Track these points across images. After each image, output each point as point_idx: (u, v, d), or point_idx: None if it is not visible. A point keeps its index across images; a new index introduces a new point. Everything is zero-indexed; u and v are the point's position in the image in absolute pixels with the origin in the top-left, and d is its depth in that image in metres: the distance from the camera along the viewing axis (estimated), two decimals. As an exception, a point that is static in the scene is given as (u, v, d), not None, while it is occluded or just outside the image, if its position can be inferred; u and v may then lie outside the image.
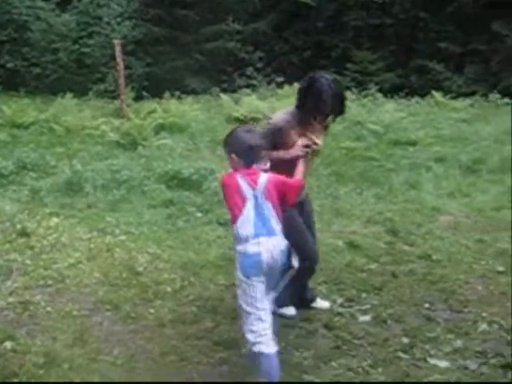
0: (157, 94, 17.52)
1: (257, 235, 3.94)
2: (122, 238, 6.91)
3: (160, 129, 12.66)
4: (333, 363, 4.39)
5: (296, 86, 18.57)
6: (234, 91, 18.82)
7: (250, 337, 3.92)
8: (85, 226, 7.24)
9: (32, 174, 9.31)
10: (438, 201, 8.46)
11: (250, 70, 22.39)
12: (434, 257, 6.39)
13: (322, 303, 5.25)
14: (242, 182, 3.98)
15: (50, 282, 5.67)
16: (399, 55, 23.82)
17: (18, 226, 7.01)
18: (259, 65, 23.05)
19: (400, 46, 24.04)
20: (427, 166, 10.20)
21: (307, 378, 4.20)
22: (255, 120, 13.45)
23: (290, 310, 5.08)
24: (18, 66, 20.35)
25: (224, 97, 16.33)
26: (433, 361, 4.42)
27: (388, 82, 22.34)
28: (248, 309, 3.95)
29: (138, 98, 17.26)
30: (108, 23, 20.76)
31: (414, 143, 11.89)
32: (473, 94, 19.06)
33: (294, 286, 4.78)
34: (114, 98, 16.69)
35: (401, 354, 4.52)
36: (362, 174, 9.82)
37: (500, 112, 16.04)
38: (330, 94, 4.55)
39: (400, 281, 5.83)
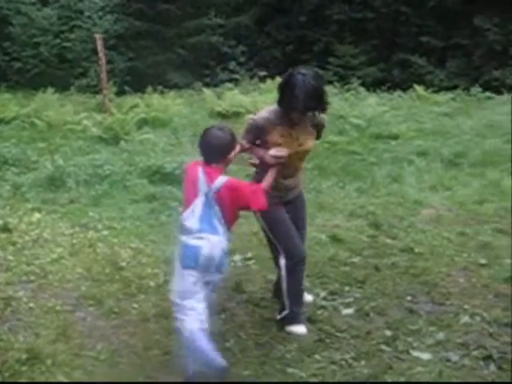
0: (139, 88, 17.46)
1: (200, 230, 4.04)
2: (105, 233, 6.89)
3: (142, 123, 12.62)
4: (316, 356, 4.41)
5: (279, 80, 18.57)
6: (216, 86, 18.80)
7: (178, 325, 4.07)
8: (67, 222, 7.22)
9: (13, 169, 9.25)
10: (420, 194, 8.49)
11: (232, 65, 22.37)
12: (417, 250, 6.42)
13: (305, 297, 5.21)
14: (201, 175, 4.08)
15: (32, 278, 5.64)
16: (381, 49, 23.88)
17: (0, 222, 6.97)
18: (242, 59, 23.03)
19: (382, 40, 24.09)
20: (409, 159, 10.24)
21: (291, 371, 4.21)
22: (238, 114, 13.45)
23: (300, 329, 4.77)
24: (-2, 60, 20.22)
25: (206, 91, 16.30)
26: (415, 353, 4.45)
27: (370, 76, 22.40)
28: (177, 300, 4.09)
29: (120, 93, 17.18)
30: (89, 17, 20.62)
31: (396, 137, 11.93)
32: (454, 87, 19.15)
33: (294, 294, 4.79)
34: (96, 92, 16.60)
35: (383, 347, 4.54)
36: (345, 168, 9.85)
37: (481, 106, 16.13)
38: (303, 89, 4.39)
39: (383, 274, 5.85)
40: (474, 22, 21.90)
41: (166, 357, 4.38)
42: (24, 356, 4.24)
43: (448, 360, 4.35)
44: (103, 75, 13.58)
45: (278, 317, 4.82)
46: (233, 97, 15.00)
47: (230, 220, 4.18)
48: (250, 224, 6.19)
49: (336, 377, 4.13)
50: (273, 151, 4.48)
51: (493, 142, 11.29)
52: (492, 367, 4.27)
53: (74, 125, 12.26)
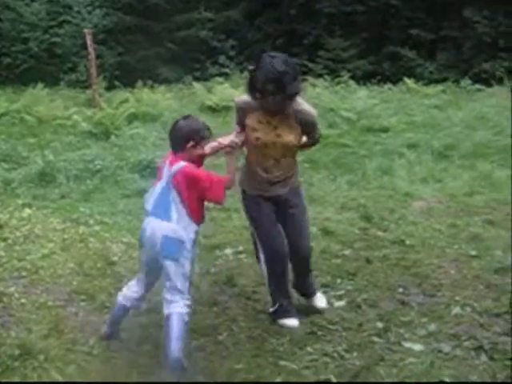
0: (129, 83, 17.41)
1: (150, 213, 4.26)
2: (96, 228, 6.89)
3: (133, 118, 12.59)
4: (308, 348, 4.41)
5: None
6: (206, 80, 18.76)
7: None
8: (58, 217, 7.21)
9: (4, 164, 9.22)
10: (410, 186, 8.52)
11: (222, 59, 22.34)
12: (408, 242, 6.45)
13: (316, 301, 5.06)
14: (167, 162, 4.29)
15: (23, 274, 5.63)
16: (371, 42, 23.86)
17: (-9, 218, 6.97)
18: (232, 53, 23.00)
19: (372, 33, 24.07)
20: (400, 152, 10.27)
21: (283, 363, 4.21)
22: (228, 108, 13.44)
23: (292, 322, 4.77)
24: (-13, 56, 20.13)
25: (197, 85, 16.28)
26: (407, 344, 4.46)
27: (360, 69, 22.38)
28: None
29: (110, 88, 17.12)
30: (78, 12, 20.56)
31: (386, 130, 11.95)
32: (444, 80, 19.17)
33: (278, 288, 4.81)
34: (86, 87, 16.56)
35: (375, 339, 4.55)
36: (336, 161, 9.86)
37: (471, 98, 16.16)
38: (264, 72, 4.27)
39: (374, 266, 5.87)
40: (463, 14, 21.91)
41: (158, 351, 4.37)
42: (16, 352, 4.23)
43: (440, 351, 4.37)
44: (93, 70, 13.55)
45: (271, 309, 4.84)
46: (223, 91, 15.00)
47: (193, 209, 4.24)
48: (241, 218, 6.19)
49: (328, 368, 4.14)
50: (220, 139, 4.46)
51: (483, 134, 11.32)
52: (483, 357, 4.29)
53: (64, 120, 12.22)
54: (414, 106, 14.58)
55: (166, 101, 14.36)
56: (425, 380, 4.01)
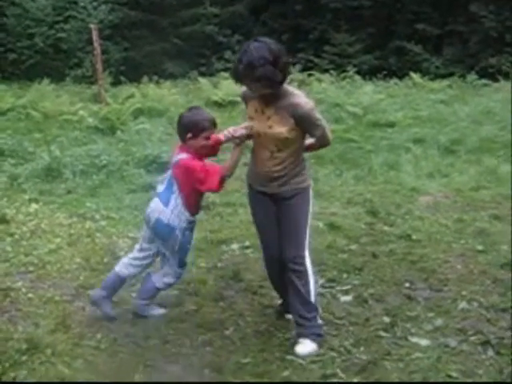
0: (134, 78, 17.43)
1: (157, 195, 4.64)
2: (103, 223, 6.90)
3: (138, 113, 12.60)
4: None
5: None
6: (212, 75, 18.78)
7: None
8: (65, 212, 7.23)
9: (10, 160, 9.24)
10: (417, 181, 8.51)
11: (228, 54, 22.34)
12: (414, 237, 6.44)
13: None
14: (175, 152, 4.58)
15: (30, 269, 5.65)
16: (377, 37, 23.85)
17: (-3, 213, 6.99)
18: (237, 48, 22.92)
19: (378, 27, 24.06)
20: (406, 147, 10.25)
21: (290, 358, 4.22)
22: (234, 103, 13.44)
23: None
24: (-7, 52, 20.16)
25: (202, 80, 16.28)
26: (414, 339, 4.46)
27: (366, 63, 22.38)
28: None
29: (116, 83, 17.14)
30: (84, 7, 20.56)
31: (392, 125, 11.94)
32: (451, 75, 19.16)
33: (276, 285, 4.79)
34: (92, 83, 16.59)
35: (382, 333, 4.55)
36: (342, 156, 9.84)
37: (478, 93, 16.14)
38: (238, 56, 4.18)
39: (380, 261, 5.86)
40: (469, 8, 21.88)
41: (165, 346, 4.39)
42: (24, 346, 4.25)
43: (446, 346, 4.36)
44: (98, 65, 13.56)
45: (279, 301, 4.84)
46: (229, 86, 14.95)
47: (188, 200, 4.51)
48: (247, 212, 6.18)
49: (335, 363, 4.14)
50: (230, 128, 4.40)
51: (489, 129, 11.31)
52: (490, 352, 4.29)
53: (70, 115, 12.23)
54: (420, 100, 14.57)
55: (171, 96, 14.36)
56: (431, 375, 4.01)
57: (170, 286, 4.83)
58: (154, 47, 21.68)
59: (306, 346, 4.31)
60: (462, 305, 4.98)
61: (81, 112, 12.30)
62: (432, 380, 3.97)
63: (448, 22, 22.86)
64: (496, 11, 21.64)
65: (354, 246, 6.23)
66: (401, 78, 18.56)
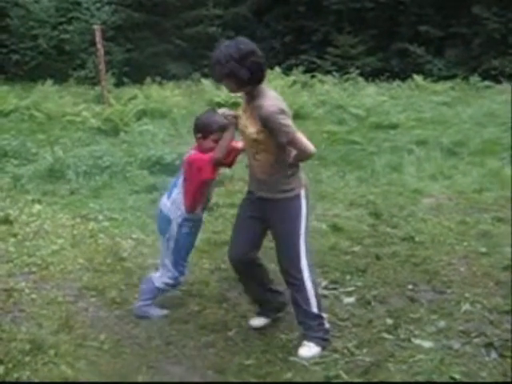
0: (137, 79, 17.47)
1: (168, 188, 4.83)
2: (106, 224, 6.90)
3: (141, 114, 12.63)
4: (318, 345, 4.41)
5: (277, 70, 18.60)
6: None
7: None
8: (68, 213, 7.23)
9: (13, 161, 9.26)
10: (419, 183, 8.50)
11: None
12: (417, 238, 6.43)
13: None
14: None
15: (34, 269, 5.65)
16: (380, 39, 23.85)
17: (1, 214, 7.00)
18: (240, 50, 22.96)
19: (381, 29, 24.06)
20: (409, 148, 10.25)
21: (292, 359, 4.22)
22: (237, 104, 13.44)
23: (253, 321, 4.76)
24: (-4, 53, 20.19)
25: (205, 82, 16.30)
26: (417, 341, 4.45)
27: (369, 65, 22.41)
28: None
29: (119, 84, 17.20)
30: (87, 9, 20.61)
31: (395, 126, 11.95)
32: (453, 77, 19.20)
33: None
34: (95, 84, 16.61)
35: (385, 335, 4.55)
36: (345, 158, 9.85)
37: (480, 95, 16.16)
38: (211, 56, 4.19)
39: (383, 263, 5.86)
40: (472, 10, 21.88)
41: (168, 347, 4.40)
42: (27, 347, 4.24)
43: (449, 348, 4.36)
44: (102, 66, 13.56)
45: None
46: (232, 87, 14.97)
47: (187, 197, 4.62)
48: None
49: (338, 365, 4.14)
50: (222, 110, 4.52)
51: (492, 131, 11.32)
52: (493, 354, 4.28)
53: (73, 116, 12.27)
54: (422, 102, 14.59)
55: (174, 97, 14.39)
56: (435, 376, 4.00)
57: (169, 286, 4.83)
58: (157, 48, 21.70)
59: (309, 349, 4.30)
60: (465, 307, 4.98)
61: (84, 113, 12.33)
62: (435, 382, 3.96)
63: (451, 24, 22.85)
64: (499, 13, 21.65)
65: (357, 248, 6.23)
66: (403, 79, 18.60)
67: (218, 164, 4.50)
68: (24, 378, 3.94)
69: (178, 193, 4.66)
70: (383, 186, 8.40)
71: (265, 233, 4.52)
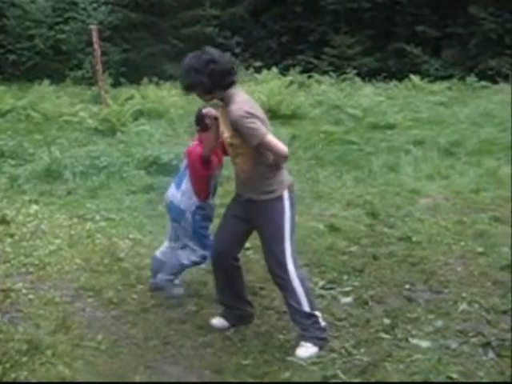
0: (134, 80, 17.44)
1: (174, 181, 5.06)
2: (103, 224, 6.90)
3: (138, 115, 12.61)
4: (315, 345, 4.41)
5: (274, 70, 18.57)
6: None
7: None
8: (65, 213, 7.23)
9: (10, 161, 9.26)
10: (417, 183, 8.52)
11: (227, 56, 22.30)
12: (414, 238, 6.44)
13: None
14: None
15: (31, 270, 5.65)
16: (377, 39, 23.84)
17: (-3, 214, 6.99)
18: (237, 50, 23.01)
19: (377, 29, 24.05)
20: (406, 149, 10.27)
21: (290, 359, 4.22)
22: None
23: (215, 321, 4.80)
24: (-8, 53, 20.15)
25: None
26: (414, 341, 4.46)
27: (366, 65, 22.39)
28: None
29: (116, 85, 17.15)
30: (84, 9, 20.57)
31: (392, 126, 11.96)
32: (450, 77, 19.20)
33: None
34: (92, 84, 16.58)
35: (383, 335, 4.55)
36: (342, 158, 9.86)
37: (477, 95, 16.16)
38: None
39: (381, 263, 5.87)
40: (469, 10, 21.88)
41: (166, 347, 4.40)
42: (24, 347, 4.24)
43: (447, 347, 4.37)
44: (98, 67, 13.54)
45: None
46: (228, 87, 14.96)
47: (195, 186, 4.85)
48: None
49: (335, 364, 4.14)
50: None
51: (489, 131, 11.34)
52: (491, 354, 4.29)
53: (70, 116, 12.25)
54: (419, 102, 14.60)
55: (171, 97, 14.37)
56: (432, 376, 4.01)
57: (194, 263, 5.13)
58: (154, 49, 21.67)
59: (307, 350, 4.31)
60: (463, 306, 4.99)
61: (81, 113, 12.32)
62: (432, 381, 3.96)
63: (447, 24, 22.86)
64: (495, 13, 21.65)
65: (354, 248, 6.24)
66: (400, 80, 18.60)
67: (206, 161, 4.71)
68: (21, 378, 3.93)
69: (186, 183, 4.89)
70: (380, 186, 8.41)
71: (248, 234, 4.57)
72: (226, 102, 4.26)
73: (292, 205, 4.36)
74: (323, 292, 5.26)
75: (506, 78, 18.46)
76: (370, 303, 5.08)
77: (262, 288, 5.30)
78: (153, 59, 21.23)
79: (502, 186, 8.21)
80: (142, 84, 16.43)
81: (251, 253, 5.99)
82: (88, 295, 5.19)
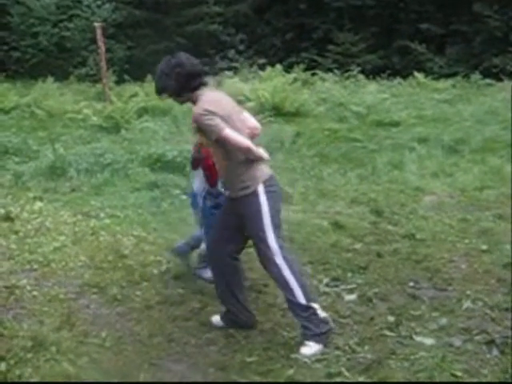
0: (138, 77, 17.45)
1: None
2: (107, 221, 6.90)
3: (142, 112, 12.63)
4: (320, 342, 4.42)
5: (278, 67, 18.57)
6: (215, 74, 18.78)
7: None
8: (69, 210, 7.24)
9: (15, 158, 9.29)
10: (421, 181, 8.50)
11: (231, 53, 22.34)
12: (418, 236, 6.43)
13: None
14: None
15: (35, 266, 5.66)
16: (381, 36, 23.84)
17: (2, 211, 7.01)
18: (241, 47, 23.01)
19: (381, 27, 24.04)
20: (410, 146, 10.25)
21: (294, 356, 4.22)
22: (238, 102, 13.41)
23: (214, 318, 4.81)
24: (-3, 50, 20.19)
25: (206, 79, 16.25)
26: (418, 338, 4.45)
27: (370, 63, 22.38)
28: None
29: (120, 82, 17.19)
30: (88, 6, 20.60)
31: (396, 124, 11.95)
32: (454, 74, 19.18)
33: None
34: (96, 81, 16.63)
35: (387, 332, 4.55)
36: (346, 155, 9.86)
37: (482, 92, 16.14)
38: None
39: (385, 260, 5.86)
40: (473, 8, 21.85)
41: (170, 344, 4.40)
42: (29, 343, 4.25)
43: (451, 345, 4.36)
44: (102, 64, 13.56)
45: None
46: (232, 85, 14.99)
47: (207, 174, 4.98)
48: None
49: (340, 362, 4.14)
50: None
51: (493, 129, 11.32)
52: (495, 352, 4.28)
53: (74, 114, 12.29)
54: (424, 100, 14.59)
55: (175, 95, 14.34)
56: (436, 374, 4.00)
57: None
58: (158, 46, 21.66)
59: (310, 348, 4.29)
60: (467, 304, 4.98)
61: (85, 110, 12.35)
62: (437, 379, 3.96)
63: (452, 22, 22.83)
64: (500, 11, 21.62)
65: (358, 245, 6.23)
66: (404, 77, 18.59)
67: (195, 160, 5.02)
68: (26, 375, 3.94)
69: (200, 170, 5.02)
70: (384, 184, 8.40)
71: (240, 229, 4.53)
72: (194, 103, 4.38)
73: (270, 199, 4.36)
74: (327, 289, 5.25)
75: (510, 75, 18.45)
76: (374, 301, 5.07)
77: (265, 285, 5.29)
78: (157, 56, 21.03)
79: (506, 184, 8.19)
80: (145, 81, 16.43)
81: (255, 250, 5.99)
82: (92, 292, 5.19)
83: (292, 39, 24.53)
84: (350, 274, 5.56)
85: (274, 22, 25.28)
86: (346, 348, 4.32)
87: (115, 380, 3.96)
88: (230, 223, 4.53)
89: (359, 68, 19.49)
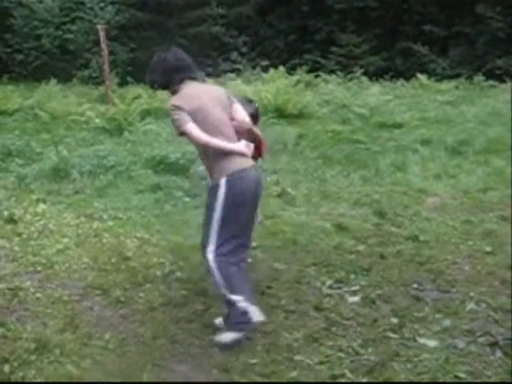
0: (141, 79, 17.39)
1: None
2: (110, 223, 6.90)
3: (145, 114, 12.65)
4: (323, 344, 4.42)
5: (281, 69, 18.59)
6: (218, 76, 18.80)
7: None
8: (72, 212, 7.24)
9: (18, 160, 9.29)
10: (424, 182, 8.49)
11: (234, 55, 22.35)
12: (422, 238, 6.42)
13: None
14: None
15: (38, 268, 5.66)
16: (384, 38, 23.83)
17: (5, 213, 7.00)
18: (244, 49, 23.02)
19: (384, 29, 24.04)
20: (413, 148, 10.25)
21: (298, 358, 4.22)
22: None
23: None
24: (0, 52, 20.20)
25: (209, 81, 16.26)
26: (422, 340, 4.45)
27: (373, 65, 22.39)
28: None
29: (123, 84, 17.21)
30: (91, 8, 20.64)
31: (399, 126, 11.95)
32: (457, 76, 19.18)
33: None
34: (99, 83, 16.66)
35: (390, 334, 4.55)
36: (349, 157, 9.85)
37: (485, 94, 16.13)
38: None
39: (388, 262, 5.85)
40: (476, 9, 21.84)
41: (174, 345, 4.40)
42: (32, 346, 4.26)
43: (454, 347, 4.36)
44: (106, 66, 13.59)
45: None
46: (235, 86, 14.99)
47: None
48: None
49: (343, 364, 4.14)
50: None
51: (496, 130, 11.31)
52: (498, 353, 4.28)
53: (77, 116, 12.30)
54: (427, 101, 14.58)
55: (178, 97, 14.35)
56: (439, 376, 4.00)
57: None
58: (161, 48, 21.27)
59: (226, 336, 4.41)
60: (470, 306, 4.97)
61: (88, 113, 12.36)
62: (440, 381, 3.96)
63: (455, 24, 22.83)
64: (503, 12, 21.61)
65: (361, 247, 6.22)
66: (408, 79, 18.59)
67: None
68: (29, 377, 3.94)
69: None
70: (388, 186, 8.39)
71: None
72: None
73: (230, 193, 4.34)
74: (331, 291, 5.25)
75: (513, 76, 18.42)
76: (378, 302, 5.07)
77: (269, 287, 5.29)
78: (160, 58, 21.25)
79: (510, 186, 8.18)
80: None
81: (258, 252, 5.99)
82: (96, 294, 5.19)
83: (295, 41, 24.54)
84: (353, 276, 5.55)
85: (276, 24, 25.29)
86: (350, 350, 4.32)
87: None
88: None
89: (362, 70, 19.50)
